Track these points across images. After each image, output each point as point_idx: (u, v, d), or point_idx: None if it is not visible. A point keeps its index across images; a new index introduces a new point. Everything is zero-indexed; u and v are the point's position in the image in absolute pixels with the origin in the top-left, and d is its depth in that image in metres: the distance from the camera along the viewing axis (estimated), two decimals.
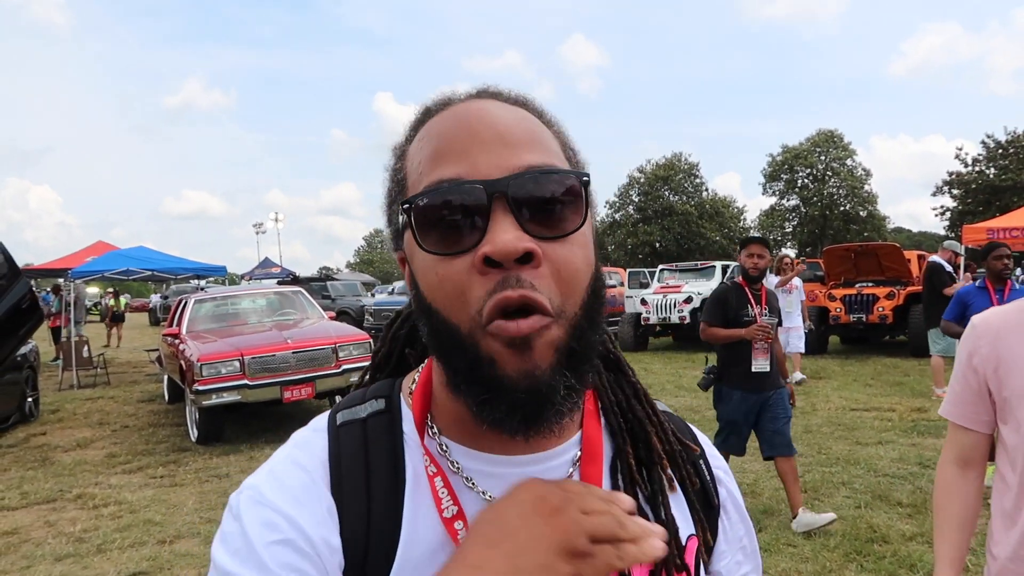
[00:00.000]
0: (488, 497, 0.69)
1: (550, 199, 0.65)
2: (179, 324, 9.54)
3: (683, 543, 0.77)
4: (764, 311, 5.01)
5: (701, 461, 0.85)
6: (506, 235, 0.61)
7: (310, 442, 0.73)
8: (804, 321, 11.16)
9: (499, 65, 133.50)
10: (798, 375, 10.81)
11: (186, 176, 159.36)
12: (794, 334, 10.55)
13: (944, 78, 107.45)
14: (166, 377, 10.78)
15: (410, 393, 0.77)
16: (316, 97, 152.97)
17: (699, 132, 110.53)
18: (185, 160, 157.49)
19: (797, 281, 11.02)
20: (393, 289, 23.21)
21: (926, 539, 4.62)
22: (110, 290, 24.28)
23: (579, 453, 0.75)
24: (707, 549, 0.80)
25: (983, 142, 40.16)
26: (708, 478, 0.84)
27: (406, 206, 0.66)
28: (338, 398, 9.08)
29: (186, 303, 10.11)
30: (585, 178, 0.68)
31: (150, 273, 15.37)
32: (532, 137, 0.68)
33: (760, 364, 4.89)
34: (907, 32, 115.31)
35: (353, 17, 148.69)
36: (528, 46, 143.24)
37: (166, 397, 10.92)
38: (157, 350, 12.00)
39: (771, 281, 10.67)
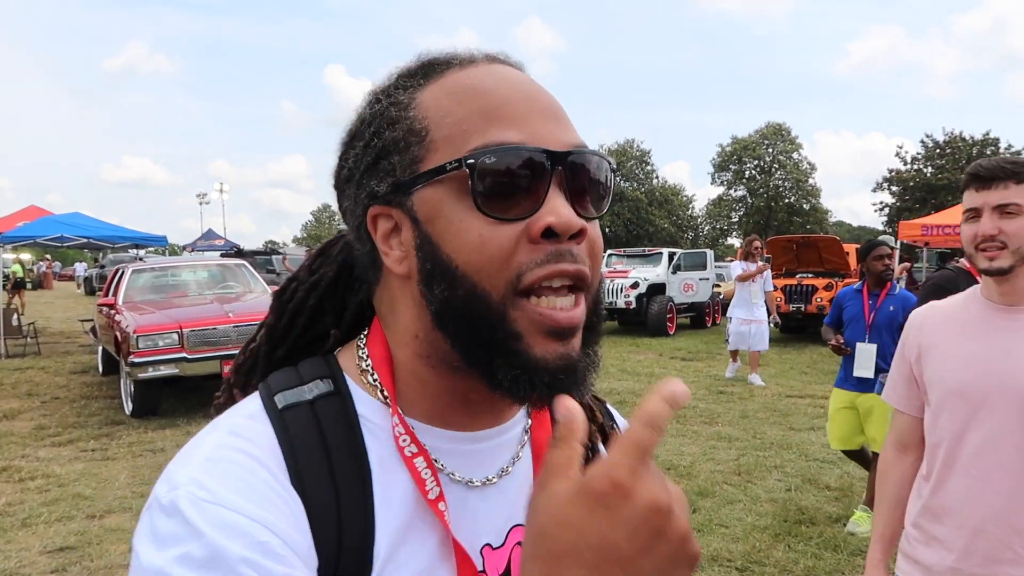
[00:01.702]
0: (457, 478, 0.69)
1: (594, 179, 0.67)
2: (115, 294, 9.24)
3: None
4: None
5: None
6: (567, 209, 0.62)
7: (250, 429, 0.63)
8: (769, 314, 10.25)
9: (454, 43, 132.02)
10: (757, 377, 9.92)
11: (127, 143, 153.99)
12: (757, 329, 9.72)
13: (886, 78, 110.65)
14: (100, 348, 10.46)
15: (360, 372, 0.70)
16: (265, 67, 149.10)
17: (651, 120, 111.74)
18: (126, 126, 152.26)
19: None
20: None
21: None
22: (14, 256, 23.29)
23: (530, 421, 0.77)
24: None
25: (922, 141, 41.61)
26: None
27: (471, 161, 0.61)
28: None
29: (123, 273, 9.80)
30: (615, 167, 0.71)
31: (85, 241, 14.86)
32: (566, 115, 0.69)
33: None
34: (853, 33, 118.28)
35: None
36: (483, 25, 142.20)
37: (100, 369, 10.59)
38: (91, 320, 11.63)
39: (734, 270, 10.26)
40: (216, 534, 0.54)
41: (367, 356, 0.71)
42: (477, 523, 0.69)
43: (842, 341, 4.79)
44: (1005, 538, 1.66)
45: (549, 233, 0.61)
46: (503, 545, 0.71)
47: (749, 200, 55.45)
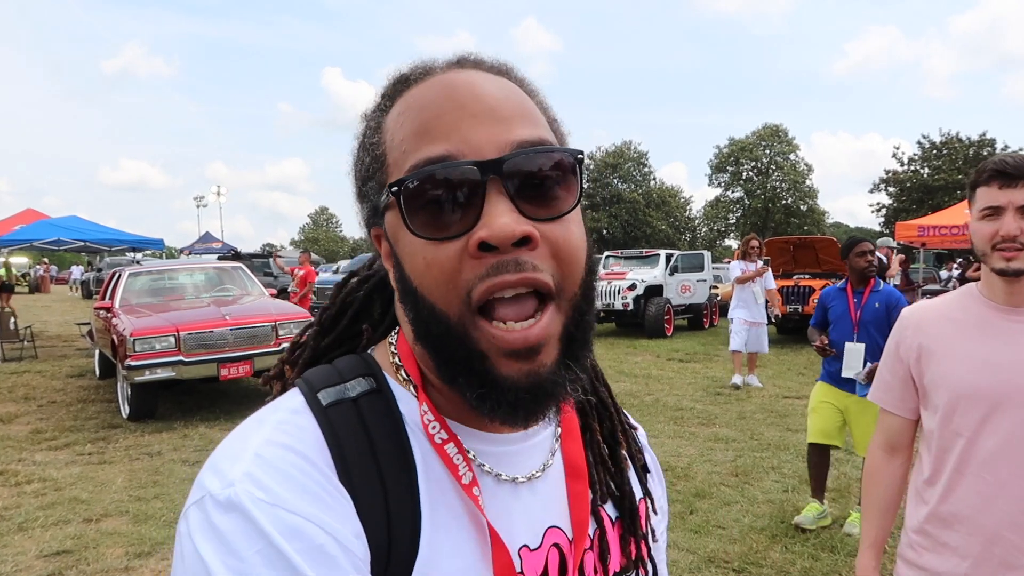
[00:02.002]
0: (487, 469, 0.70)
1: (545, 178, 0.63)
2: (112, 297, 9.23)
3: (637, 503, 0.82)
4: None
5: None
6: (503, 218, 0.59)
7: (295, 424, 0.64)
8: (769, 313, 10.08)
9: (451, 44, 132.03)
10: (755, 379, 9.69)
11: (124, 145, 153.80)
12: (755, 331, 9.52)
13: (882, 79, 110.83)
14: (97, 352, 10.43)
15: (395, 369, 0.72)
16: (263, 69, 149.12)
17: (648, 121, 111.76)
18: (123, 129, 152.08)
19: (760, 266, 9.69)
20: (338, 268, 22.91)
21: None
22: (1, 259, 23.11)
23: (559, 429, 0.77)
24: (650, 512, 0.86)
25: (919, 142, 41.75)
26: (639, 440, 0.91)
27: (394, 189, 0.62)
28: None
29: (120, 276, 9.78)
30: (579, 155, 0.66)
31: (83, 244, 14.86)
32: (522, 110, 0.66)
33: None
34: (849, 34, 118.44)
35: None
36: (480, 27, 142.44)
37: (97, 372, 10.57)
38: (88, 323, 11.61)
39: (733, 271, 9.81)
40: (280, 537, 0.55)
41: (396, 352, 0.73)
42: (512, 521, 0.69)
43: (827, 342, 4.67)
44: (1022, 544, 1.63)
45: (486, 246, 0.59)
46: (540, 547, 0.71)
47: (746, 201, 55.51)
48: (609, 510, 0.79)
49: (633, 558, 0.79)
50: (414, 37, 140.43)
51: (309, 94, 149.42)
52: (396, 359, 0.73)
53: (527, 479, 0.72)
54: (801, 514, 4.72)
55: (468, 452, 0.69)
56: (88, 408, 8.61)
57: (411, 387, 0.70)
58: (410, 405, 0.69)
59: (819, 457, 4.84)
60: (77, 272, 38.17)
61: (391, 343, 0.75)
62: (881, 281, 4.65)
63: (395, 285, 0.68)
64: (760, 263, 9.70)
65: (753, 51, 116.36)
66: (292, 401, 0.67)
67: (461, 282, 0.61)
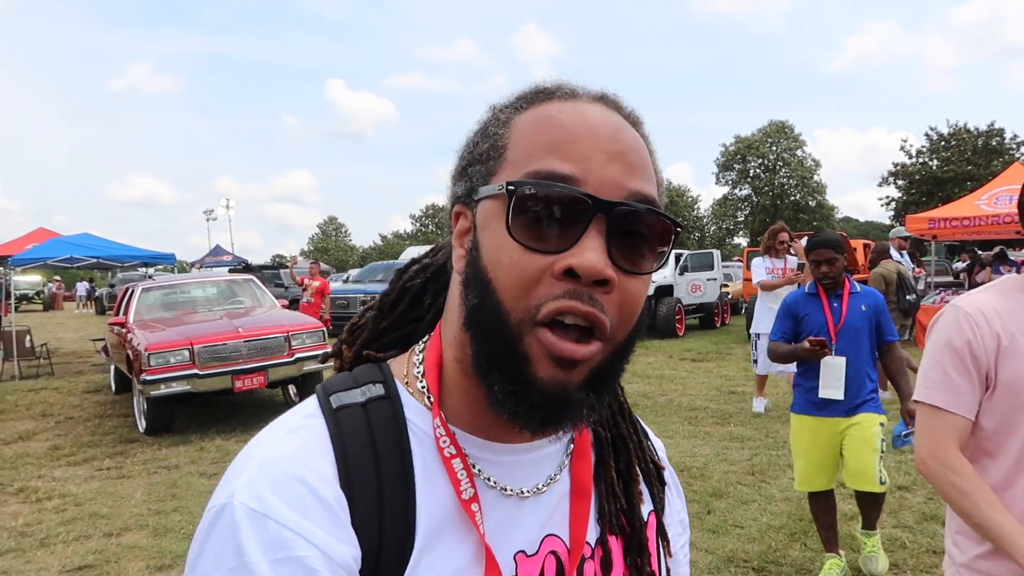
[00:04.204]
0: (492, 483, 0.72)
1: (643, 235, 0.66)
2: (126, 313, 9.30)
3: (646, 533, 0.83)
4: None
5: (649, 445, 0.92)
6: (595, 255, 0.62)
7: (305, 428, 0.69)
8: None
9: (453, 53, 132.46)
10: (762, 403, 8.07)
11: (133, 162, 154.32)
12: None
13: (884, 73, 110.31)
14: (112, 367, 10.52)
15: (407, 379, 0.75)
16: (268, 83, 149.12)
17: (652, 122, 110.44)
18: (132, 146, 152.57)
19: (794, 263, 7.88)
20: (348, 277, 22.97)
21: None
22: None
23: (572, 446, 0.80)
24: (661, 526, 0.87)
25: (927, 134, 41.39)
26: (664, 479, 0.91)
27: (511, 187, 0.64)
28: (292, 387, 9.02)
29: (133, 291, 9.86)
30: (679, 228, 0.69)
31: (95, 261, 14.94)
32: (645, 164, 0.69)
33: None
34: (849, 29, 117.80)
35: (303, 2, 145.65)
36: (481, 35, 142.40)
37: (112, 387, 10.66)
38: (103, 339, 11.70)
39: (756, 271, 7.80)
40: (258, 553, 0.60)
41: (421, 362, 0.76)
42: (512, 530, 0.72)
43: (822, 340, 3.83)
44: None
45: (571, 273, 0.62)
46: (537, 553, 0.73)
47: (754, 199, 55.30)
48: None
49: (638, 570, 0.80)
50: (416, 47, 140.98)
51: (314, 106, 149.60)
52: (416, 368, 0.76)
53: (532, 492, 0.74)
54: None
55: (474, 467, 0.71)
56: (105, 423, 8.68)
57: (426, 399, 0.73)
58: (418, 412, 0.73)
59: (823, 503, 4.08)
60: (82, 288, 38.38)
61: (416, 351, 0.78)
62: (856, 282, 4.04)
63: (461, 267, 0.70)
64: (793, 264, 7.72)
65: (753, 50, 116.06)
66: (308, 405, 0.72)
67: (535, 294, 0.63)
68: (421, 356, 0.76)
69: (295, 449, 0.66)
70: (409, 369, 0.76)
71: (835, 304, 3.96)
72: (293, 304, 12.74)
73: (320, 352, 8.33)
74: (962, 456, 1.71)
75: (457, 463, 0.70)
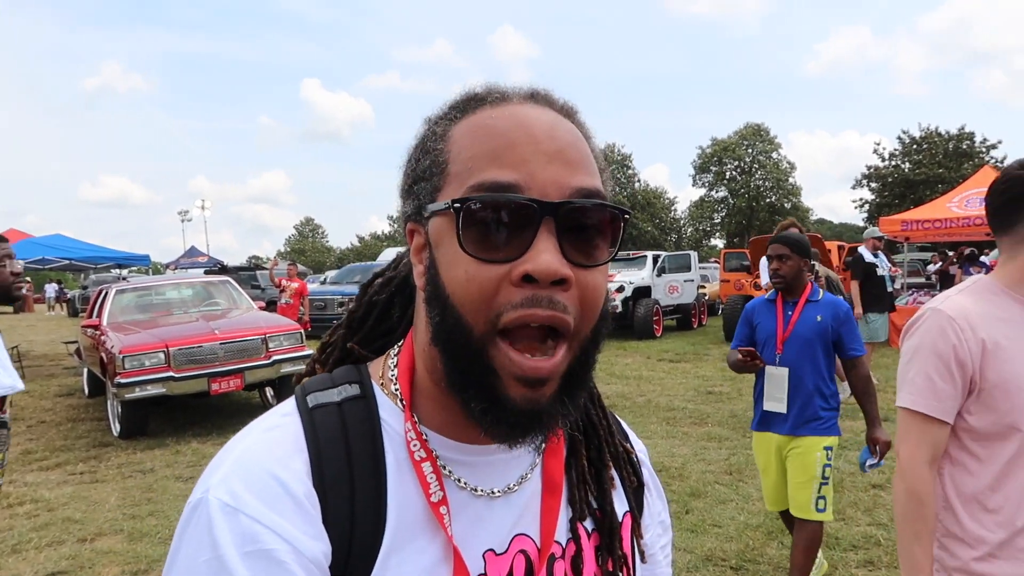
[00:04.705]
0: (463, 484, 0.73)
1: (592, 228, 0.67)
2: (99, 315, 9.17)
3: (620, 521, 0.84)
4: None
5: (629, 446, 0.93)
6: (549, 256, 0.63)
7: (281, 427, 0.70)
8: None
9: (430, 54, 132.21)
10: None
11: (105, 162, 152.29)
12: None
13: (856, 77, 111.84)
14: (86, 370, 10.36)
15: (383, 380, 0.77)
16: (242, 83, 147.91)
17: (628, 124, 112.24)
18: (104, 145, 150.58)
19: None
20: (325, 279, 22.83)
21: (841, 516, 4.85)
22: None
23: (543, 445, 0.79)
24: (637, 526, 0.87)
25: (899, 138, 42.02)
26: (635, 462, 0.92)
27: (457, 205, 0.65)
28: (268, 390, 8.95)
29: (106, 293, 9.72)
30: (627, 215, 0.71)
31: (68, 262, 14.75)
32: (585, 158, 0.70)
33: None
34: (822, 34, 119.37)
35: (278, 1, 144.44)
36: (458, 35, 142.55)
37: (86, 391, 10.49)
38: (76, 342, 11.52)
39: (767, 271, 7.31)
40: (231, 545, 0.62)
41: (395, 366, 0.77)
42: (481, 529, 0.73)
43: (752, 351, 3.62)
44: None
45: (528, 278, 0.63)
46: (506, 552, 0.74)
47: (731, 201, 55.82)
48: (587, 524, 0.82)
49: (610, 570, 0.81)
50: (393, 48, 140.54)
51: (290, 106, 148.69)
52: (390, 371, 0.77)
53: (503, 492, 0.75)
54: None
55: (444, 468, 0.73)
56: (78, 427, 8.55)
57: (399, 401, 0.74)
58: (392, 412, 0.74)
59: (791, 520, 3.84)
60: (51, 290, 37.78)
61: (391, 354, 0.79)
62: (819, 288, 3.75)
63: (422, 285, 0.71)
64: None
65: (729, 53, 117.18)
66: (286, 405, 0.74)
67: (495, 304, 0.64)
68: (395, 360, 0.78)
69: (270, 447, 0.67)
70: (385, 371, 0.78)
71: (789, 312, 3.70)
72: (270, 306, 12.65)
73: (297, 355, 8.28)
74: (928, 470, 1.72)
75: (427, 466, 0.71)
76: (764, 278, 7.84)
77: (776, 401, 3.64)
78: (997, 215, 1.80)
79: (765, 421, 3.72)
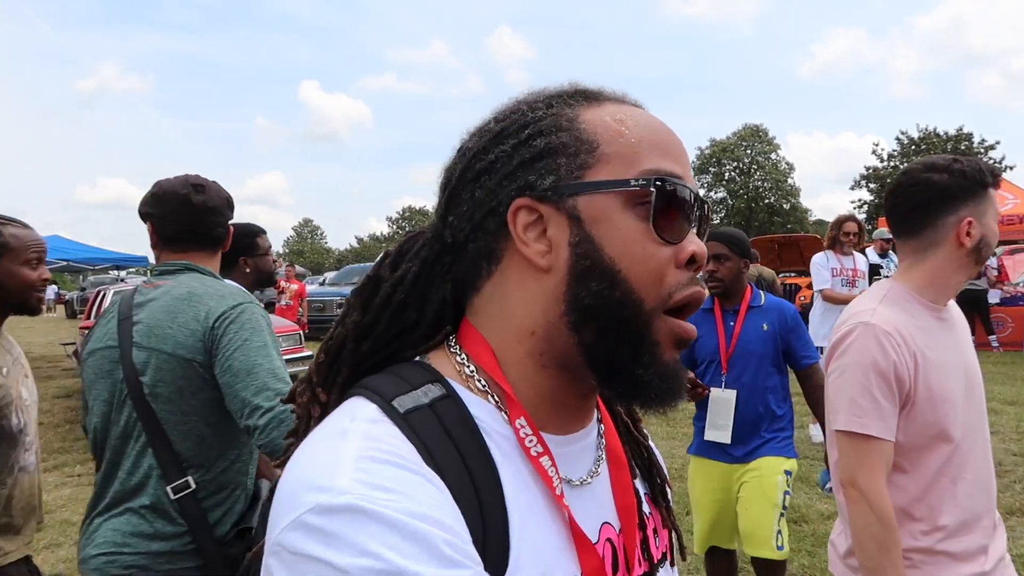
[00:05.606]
0: (562, 475, 0.73)
1: (708, 222, 0.78)
2: (98, 316, 9.14)
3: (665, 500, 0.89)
4: None
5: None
6: (700, 243, 0.73)
7: (381, 432, 0.63)
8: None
9: (427, 55, 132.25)
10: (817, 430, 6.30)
11: (102, 163, 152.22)
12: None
13: (853, 78, 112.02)
14: None
15: (464, 377, 0.72)
16: (239, 84, 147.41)
17: None
18: (101, 147, 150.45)
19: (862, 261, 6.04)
20: (324, 280, 22.81)
21: (810, 555, 4.80)
22: None
23: (602, 427, 0.82)
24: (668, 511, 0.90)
25: (897, 139, 42.14)
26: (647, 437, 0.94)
27: (659, 183, 0.69)
28: None
29: (104, 294, 9.72)
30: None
31: (65, 263, 14.74)
32: None
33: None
34: (819, 35, 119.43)
35: (275, 2, 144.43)
36: (455, 37, 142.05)
37: None
38: (75, 344, 11.50)
39: (822, 272, 5.87)
40: (417, 522, 0.56)
41: (468, 360, 0.74)
42: (584, 519, 0.73)
43: (692, 379, 3.14)
44: (991, 509, 1.75)
45: (691, 261, 0.71)
46: (597, 542, 0.74)
47: (730, 202, 55.90)
48: (639, 485, 0.85)
49: (670, 543, 0.86)
50: (390, 49, 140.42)
51: (287, 107, 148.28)
52: (465, 368, 0.73)
53: (590, 478, 0.77)
54: None
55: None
56: (76, 429, 8.50)
57: (491, 397, 0.72)
58: (482, 409, 0.71)
59: (720, 565, 3.52)
60: (49, 292, 37.78)
61: (454, 349, 0.75)
62: (761, 292, 3.28)
63: (563, 262, 0.70)
64: (863, 264, 5.95)
65: (727, 54, 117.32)
66: (365, 411, 0.66)
67: (667, 282, 0.70)
68: (464, 355, 0.74)
69: (385, 448, 0.61)
70: (460, 368, 0.73)
71: (730, 323, 3.19)
72: (268, 307, 12.63)
73: (297, 356, 8.26)
74: (888, 495, 1.66)
75: (545, 460, 0.70)
76: (819, 282, 6.67)
77: (719, 430, 3.16)
78: (904, 219, 1.76)
79: (709, 448, 3.24)
